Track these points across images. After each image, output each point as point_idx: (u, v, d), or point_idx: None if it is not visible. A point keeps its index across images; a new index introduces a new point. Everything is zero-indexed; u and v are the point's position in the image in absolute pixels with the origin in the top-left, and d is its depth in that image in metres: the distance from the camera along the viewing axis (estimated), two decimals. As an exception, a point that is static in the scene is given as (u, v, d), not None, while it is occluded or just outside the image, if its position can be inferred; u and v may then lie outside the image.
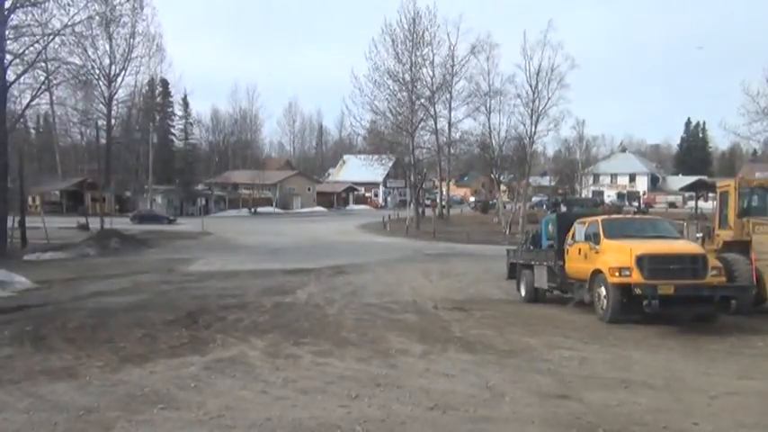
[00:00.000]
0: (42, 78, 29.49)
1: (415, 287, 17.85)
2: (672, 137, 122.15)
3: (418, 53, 50.63)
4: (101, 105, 49.94)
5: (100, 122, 47.84)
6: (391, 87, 49.74)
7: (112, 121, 50.88)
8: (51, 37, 27.18)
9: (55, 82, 31.07)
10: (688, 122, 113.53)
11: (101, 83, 48.16)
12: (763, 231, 12.90)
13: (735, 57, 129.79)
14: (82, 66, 33.27)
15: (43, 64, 28.42)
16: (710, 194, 47.37)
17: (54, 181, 64.63)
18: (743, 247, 12.93)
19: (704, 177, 76.62)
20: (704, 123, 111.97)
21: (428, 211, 58.14)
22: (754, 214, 13.55)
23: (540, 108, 46.49)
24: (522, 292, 15.64)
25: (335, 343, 10.14)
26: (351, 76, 48.97)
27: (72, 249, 29.63)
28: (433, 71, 53.16)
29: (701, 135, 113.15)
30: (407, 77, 50.07)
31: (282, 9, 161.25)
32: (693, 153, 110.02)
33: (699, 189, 58.54)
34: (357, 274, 20.89)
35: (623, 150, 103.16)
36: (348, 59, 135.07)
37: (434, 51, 52.41)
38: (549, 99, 46.35)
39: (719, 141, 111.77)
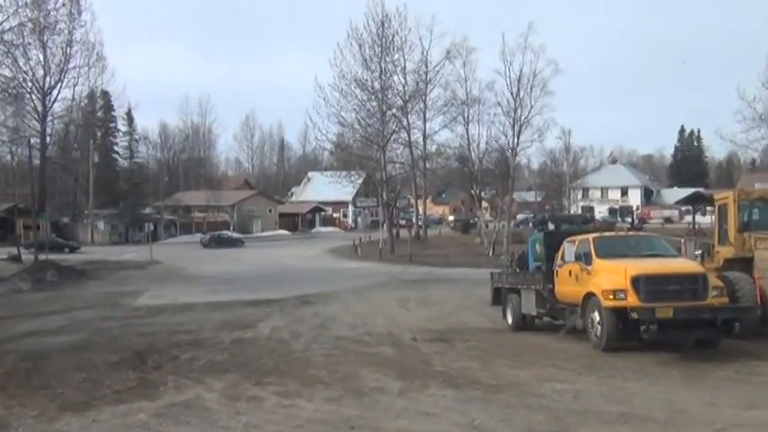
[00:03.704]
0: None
1: (391, 317, 17.86)
2: (665, 146, 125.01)
3: (388, 59, 51.07)
4: (34, 121, 49.40)
5: (33, 140, 47.19)
6: (359, 97, 49.95)
7: (47, 138, 50.34)
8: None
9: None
10: (682, 130, 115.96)
11: (34, 96, 47.66)
12: (766, 247, 13.10)
13: (728, 59, 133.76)
14: (12, 78, 32.95)
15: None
16: (708, 208, 48.25)
17: (-21, 207, 63.34)
18: (745, 264, 13.15)
19: (701, 189, 78.18)
20: (699, 131, 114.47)
21: (403, 233, 58.26)
22: (756, 229, 13.78)
23: (523, 117, 46.89)
24: (509, 320, 15.67)
25: (303, 382, 10.07)
26: (314, 85, 49.14)
27: (2, 284, 29.06)
28: (405, 78, 53.57)
29: (695, 144, 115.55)
30: (377, 85, 50.38)
31: (237, 12, 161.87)
32: (688, 163, 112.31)
33: (696, 202, 59.64)
34: (326, 305, 20.86)
35: (613, 162, 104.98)
36: (311, 67, 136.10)
37: (406, 57, 52.87)
38: (531, 107, 46.75)
39: (716, 150, 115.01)
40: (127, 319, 18.31)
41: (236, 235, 65.77)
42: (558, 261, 13.74)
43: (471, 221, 72.29)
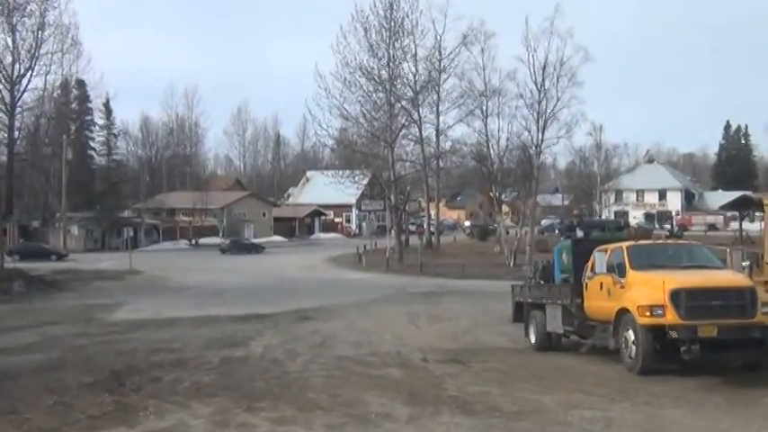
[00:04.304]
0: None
1: (399, 334, 17.86)
2: (708, 144, 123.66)
3: (397, 45, 51.12)
4: (0, 114, 49.61)
5: (0, 135, 47.44)
6: (365, 87, 50.03)
7: (15, 132, 50.53)
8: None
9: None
10: (727, 126, 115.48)
11: (1, 86, 47.89)
12: (823, 258, 13.14)
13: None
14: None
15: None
16: (757, 213, 48.04)
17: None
18: (799, 277, 13.14)
19: (749, 193, 77.75)
20: (747, 128, 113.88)
21: (413, 240, 58.20)
22: (811, 237, 13.75)
23: (549, 110, 46.69)
24: (532, 339, 15.73)
25: (300, 407, 10.07)
26: (315, 74, 49.04)
27: (-38, 296, 29.10)
28: (416, 67, 53.64)
29: (743, 142, 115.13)
30: (384, 75, 50.44)
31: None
32: (735, 163, 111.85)
33: (743, 207, 59.31)
34: (326, 320, 20.96)
35: (650, 161, 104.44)
36: (311, 53, 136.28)
37: (417, 43, 52.99)
38: (558, 99, 46.57)
39: (766, 149, 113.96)
40: (103, 336, 18.31)
41: (255, 240, 67.35)
42: (588, 273, 13.72)
43: (490, 228, 72.19)
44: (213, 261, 52.03)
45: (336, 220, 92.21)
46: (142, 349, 15.73)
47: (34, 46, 46.34)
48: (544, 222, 78.86)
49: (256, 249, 62.51)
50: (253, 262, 50.49)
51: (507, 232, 52.90)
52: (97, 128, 78.35)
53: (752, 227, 54.74)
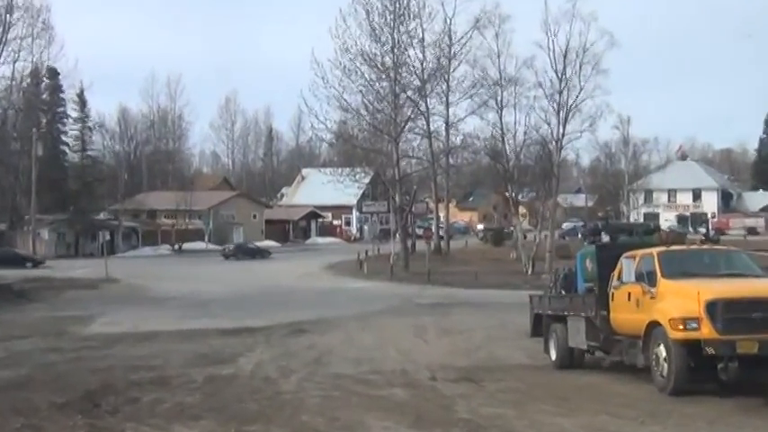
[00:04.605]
0: None
1: (405, 350, 17.96)
2: (748, 139, 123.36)
3: (402, 29, 51.24)
4: (-37, 105, 49.73)
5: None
6: (367, 75, 50.14)
7: (-20, 126, 50.62)
8: None
9: None
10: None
11: (-36, 74, 47.98)
12: None
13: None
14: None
15: None
16: (802, 216, 47.98)
17: None
18: None
19: (793, 193, 77.96)
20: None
21: (420, 245, 57.98)
22: None
23: (570, 101, 46.86)
24: (552, 355, 15.78)
25: (294, 430, 10.08)
26: (311, 62, 48.85)
27: None
28: (424, 53, 53.74)
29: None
30: (388, 62, 50.51)
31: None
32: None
33: (787, 209, 59.50)
34: (323, 334, 21.08)
35: (683, 158, 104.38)
36: (307, 38, 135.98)
37: (424, 26, 53.15)
38: (581, 89, 46.74)
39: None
40: (76, 351, 18.32)
41: (261, 244, 68.00)
42: (615, 282, 13.72)
43: (505, 231, 72.27)
44: (210, 268, 52.08)
45: (335, 222, 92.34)
46: (119, 366, 15.76)
47: (1, 30, 46.51)
48: (566, 225, 78.97)
49: (262, 254, 63.41)
50: (247, 269, 50.49)
51: (525, 236, 52.99)
52: (70, 121, 78.13)
53: (796, 231, 54.65)
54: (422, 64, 53.52)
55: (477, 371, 14.75)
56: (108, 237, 63.15)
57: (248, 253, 62.89)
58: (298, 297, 33.15)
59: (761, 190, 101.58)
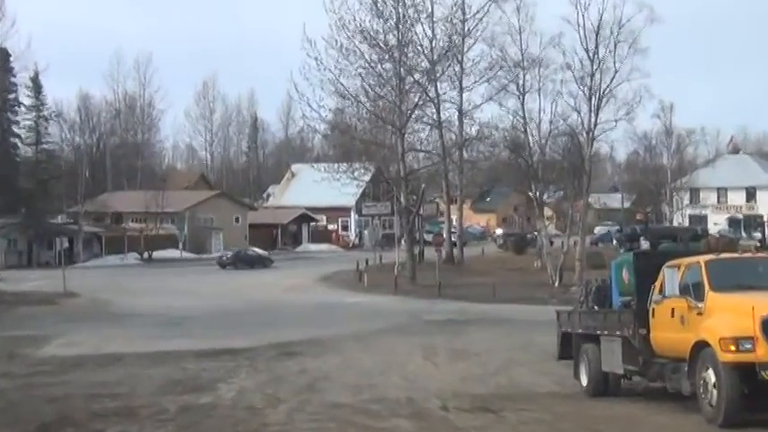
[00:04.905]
0: None
1: (411, 375, 18.13)
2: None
3: (408, 1, 51.08)
4: None
5: None
6: (367, 56, 50.13)
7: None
8: None
9: None
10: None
11: None
12: None
13: None
14: None
15: None
16: None
17: None
18: None
19: None
20: None
21: (429, 252, 57.87)
22: None
23: (604, 86, 46.52)
24: (583, 381, 15.81)
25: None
26: (302, 40, 48.11)
27: None
28: (433, 30, 53.71)
29: None
30: (392, 40, 50.36)
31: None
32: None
33: None
34: (316, 357, 21.31)
35: (735, 151, 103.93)
36: (298, 13, 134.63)
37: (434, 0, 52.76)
38: (616, 71, 46.44)
39: None
40: (28, 377, 18.44)
41: (262, 252, 68.32)
42: (656, 295, 13.69)
43: (528, 237, 72.16)
44: (170, 279, 52.00)
45: (330, 227, 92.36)
46: (78, 395, 15.79)
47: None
48: (598, 230, 78.91)
49: (263, 263, 63.95)
50: (230, 280, 50.82)
51: (551, 243, 52.79)
52: (23, 109, 77.92)
53: None
54: (431, 42, 53.72)
55: (496, 399, 14.77)
56: (66, 244, 63.26)
57: (247, 261, 63.51)
58: (287, 313, 33.42)
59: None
